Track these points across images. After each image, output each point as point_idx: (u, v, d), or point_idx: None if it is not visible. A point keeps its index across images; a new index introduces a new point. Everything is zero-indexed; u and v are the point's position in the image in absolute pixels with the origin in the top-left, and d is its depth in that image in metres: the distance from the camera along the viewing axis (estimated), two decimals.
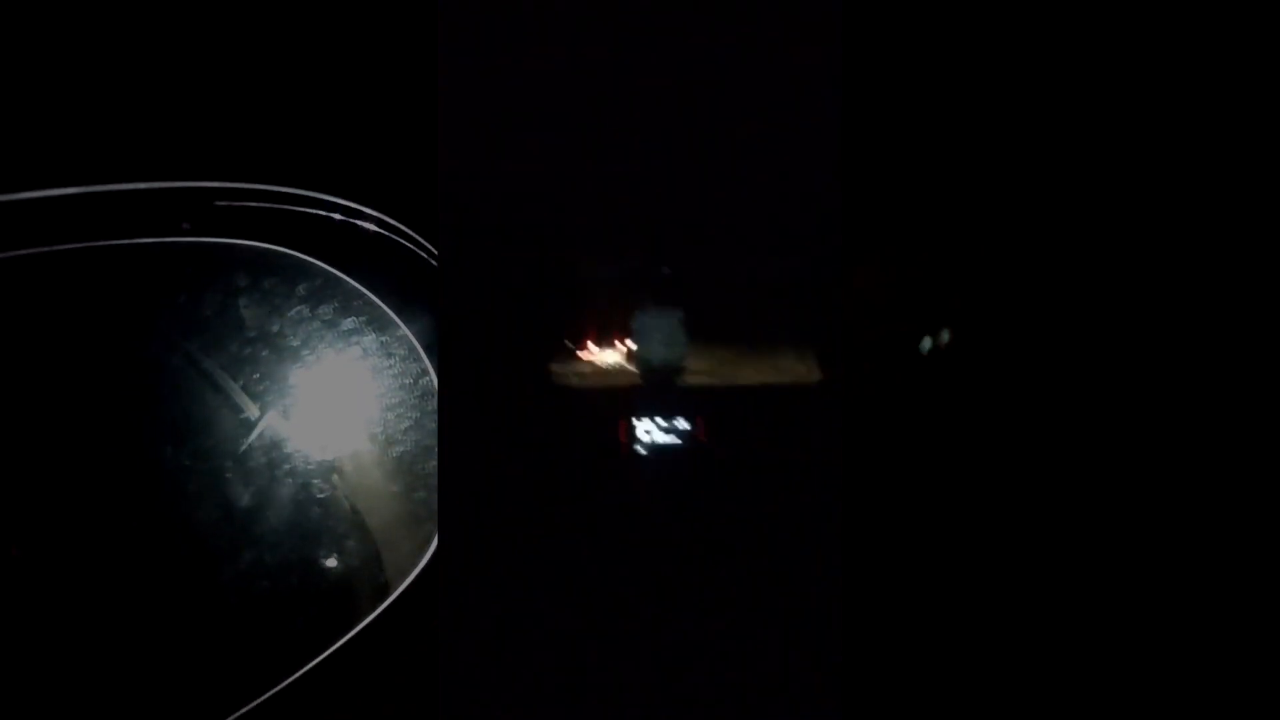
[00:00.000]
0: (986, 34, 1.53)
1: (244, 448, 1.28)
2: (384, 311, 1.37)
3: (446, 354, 1.35)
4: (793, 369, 1.36)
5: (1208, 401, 1.45)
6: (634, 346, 1.27)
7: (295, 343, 1.33)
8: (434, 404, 1.37)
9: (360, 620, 1.27)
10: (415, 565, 1.32)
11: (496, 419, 1.37)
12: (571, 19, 1.33)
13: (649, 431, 1.25)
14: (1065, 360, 1.52)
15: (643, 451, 1.23)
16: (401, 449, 1.37)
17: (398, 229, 1.38)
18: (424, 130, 1.37)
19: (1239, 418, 1.44)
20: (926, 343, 1.51)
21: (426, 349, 1.38)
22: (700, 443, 1.25)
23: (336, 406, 1.35)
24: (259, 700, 1.18)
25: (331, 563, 1.31)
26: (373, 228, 1.34)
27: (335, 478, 1.32)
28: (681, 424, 1.24)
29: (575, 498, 1.35)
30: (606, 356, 1.29)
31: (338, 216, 1.34)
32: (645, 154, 1.37)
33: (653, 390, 1.25)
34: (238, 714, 1.17)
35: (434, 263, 1.39)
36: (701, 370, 1.34)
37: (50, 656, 1.14)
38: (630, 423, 1.25)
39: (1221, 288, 1.45)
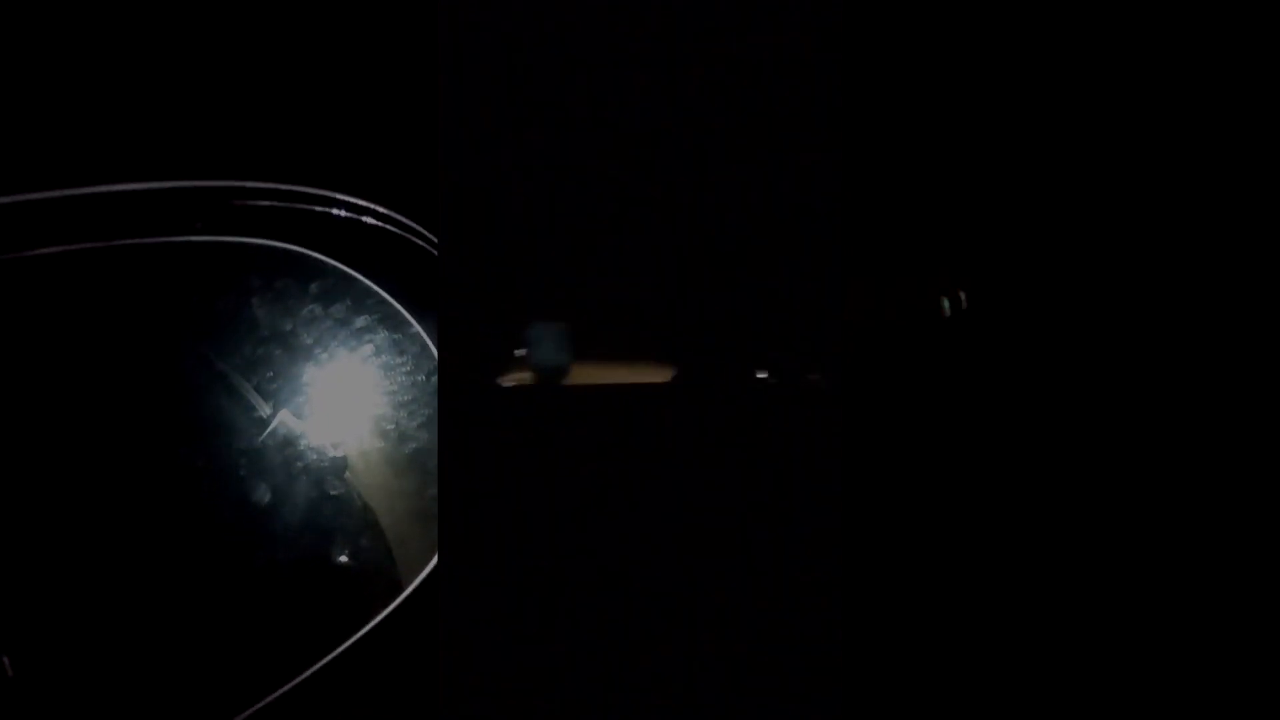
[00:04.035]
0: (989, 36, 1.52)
1: (257, 443, 1.28)
2: (396, 309, 1.37)
3: (446, 347, 1.35)
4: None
5: (1212, 400, 1.42)
6: (527, 353, 1.40)
7: (308, 341, 1.33)
8: None
9: (372, 618, 1.26)
10: (427, 563, 1.30)
11: (498, 414, 1.36)
12: (573, 12, 1.33)
13: None
14: (1069, 358, 1.49)
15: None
16: (415, 445, 1.36)
17: (409, 226, 1.38)
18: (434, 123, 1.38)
19: (1244, 415, 1.40)
20: (946, 305, 1.50)
21: (438, 345, 1.37)
22: None
23: (349, 404, 1.35)
24: (269, 699, 1.18)
25: (343, 560, 1.31)
26: (368, 220, 1.34)
27: (347, 474, 1.32)
28: None
29: (576, 495, 1.34)
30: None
31: (343, 213, 1.34)
32: (647, 147, 1.36)
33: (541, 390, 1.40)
34: (246, 714, 1.16)
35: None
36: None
37: (57, 654, 1.15)
38: None
39: (1225, 286, 1.42)
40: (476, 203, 1.37)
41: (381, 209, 1.36)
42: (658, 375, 1.36)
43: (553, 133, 1.36)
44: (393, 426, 1.36)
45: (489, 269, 1.37)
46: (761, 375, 1.34)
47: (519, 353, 1.36)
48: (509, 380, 1.36)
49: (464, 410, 1.32)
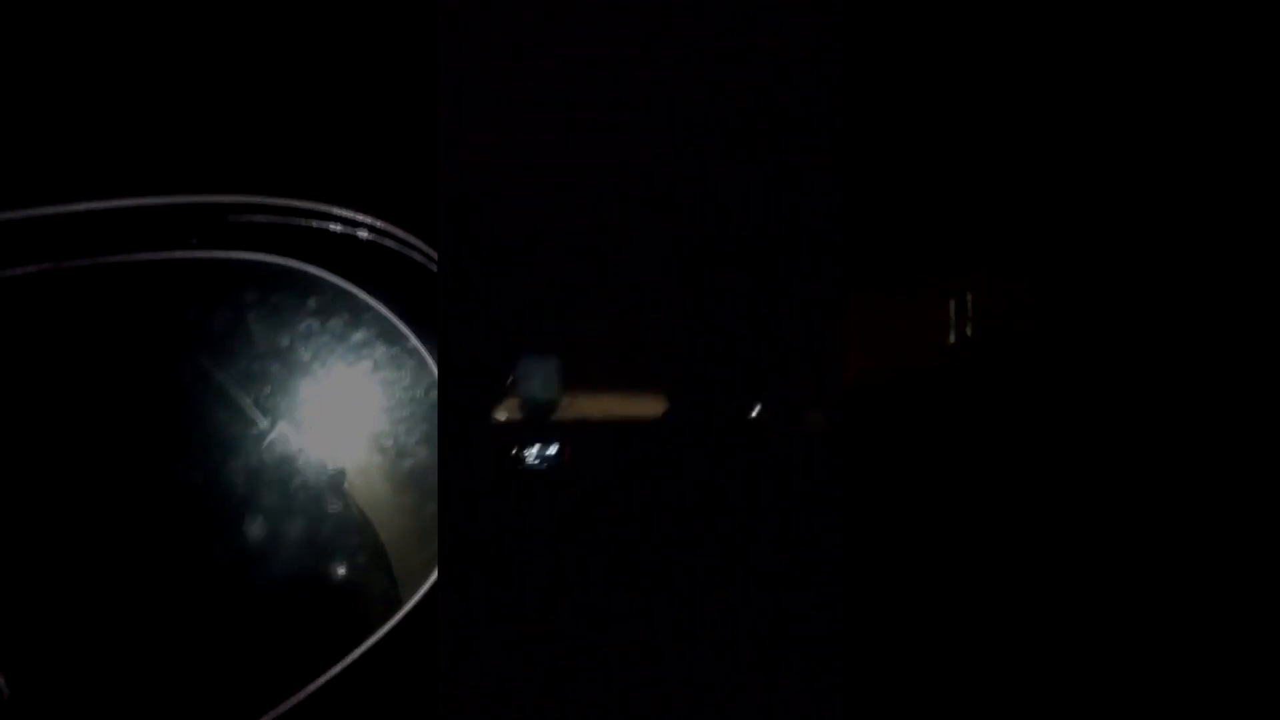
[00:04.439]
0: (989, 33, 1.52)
1: (254, 461, 1.28)
2: (394, 324, 1.37)
3: (446, 361, 1.35)
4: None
5: (1213, 402, 1.42)
6: (515, 387, 1.42)
7: (305, 356, 1.33)
8: None
9: (370, 635, 1.25)
10: (426, 579, 1.30)
11: (497, 425, 1.36)
12: (572, 21, 1.33)
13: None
14: (1070, 362, 1.50)
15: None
16: (412, 461, 1.36)
17: (406, 240, 1.37)
18: (433, 138, 1.38)
19: (1245, 420, 1.40)
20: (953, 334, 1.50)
21: (436, 360, 1.37)
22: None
23: (347, 419, 1.35)
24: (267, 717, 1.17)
25: (341, 577, 1.31)
26: (365, 235, 1.34)
27: (346, 489, 1.32)
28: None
29: (576, 507, 1.34)
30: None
31: (339, 228, 1.34)
32: (647, 156, 1.37)
33: (530, 424, 1.40)
34: None
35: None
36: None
37: (51, 669, 1.14)
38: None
39: (1227, 291, 1.43)
40: (477, 211, 1.37)
41: (378, 223, 1.36)
42: (654, 405, 1.38)
43: (552, 145, 1.37)
44: (390, 442, 1.36)
45: (489, 276, 1.37)
46: (755, 412, 1.35)
47: (509, 383, 1.38)
48: (499, 413, 1.37)
49: (464, 419, 1.32)
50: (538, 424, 1.37)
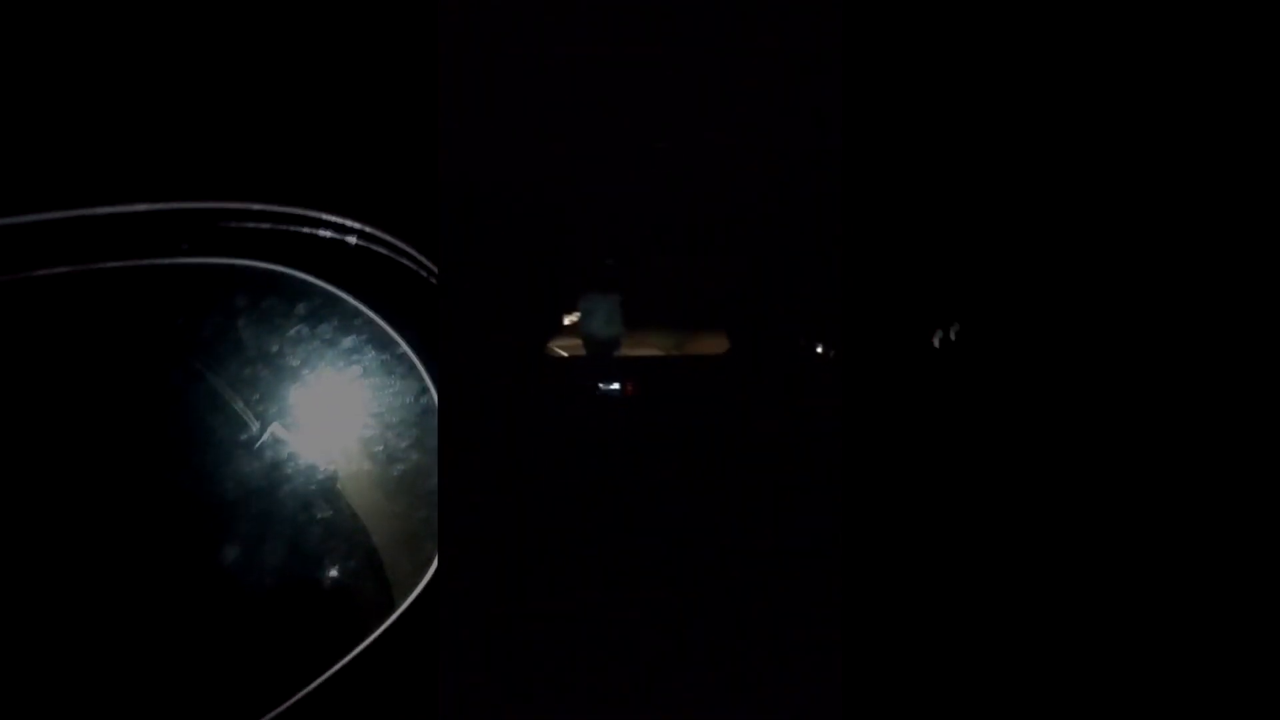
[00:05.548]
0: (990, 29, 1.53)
1: (245, 465, 1.28)
2: (384, 329, 1.38)
3: (446, 367, 1.35)
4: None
5: (1211, 399, 1.44)
6: (580, 325, 1.45)
7: (296, 361, 1.34)
8: (434, 421, 1.37)
9: (361, 640, 1.26)
10: (417, 584, 1.31)
11: (496, 426, 1.37)
12: (571, 28, 1.35)
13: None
14: (1069, 355, 1.51)
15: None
16: (403, 467, 1.36)
17: (398, 247, 1.38)
18: (428, 144, 1.39)
19: (1244, 415, 1.42)
20: (937, 338, 1.52)
21: (426, 366, 1.38)
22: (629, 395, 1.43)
23: (337, 424, 1.35)
24: None
25: (331, 583, 1.31)
26: (354, 240, 1.34)
27: (336, 493, 1.32)
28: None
29: (576, 504, 1.35)
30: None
31: (328, 234, 1.34)
32: (646, 155, 1.38)
33: (594, 362, 1.44)
34: None
35: (432, 280, 1.39)
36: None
37: (42, 674, 1.14)
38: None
39: (1223, 285, 1.44)
40: (476, 212, 1.37)
41: (368, 229, 1.37)
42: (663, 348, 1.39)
43: (551, 146, 1.37)
44: (381, 446, 1.37)
45: (488, 277, 1.38)
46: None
47: (569, 320, 1.40)
48: (562, 350, 1.38)
49: (464, 420, 1.33)
50: (600, 359, 1.39)
